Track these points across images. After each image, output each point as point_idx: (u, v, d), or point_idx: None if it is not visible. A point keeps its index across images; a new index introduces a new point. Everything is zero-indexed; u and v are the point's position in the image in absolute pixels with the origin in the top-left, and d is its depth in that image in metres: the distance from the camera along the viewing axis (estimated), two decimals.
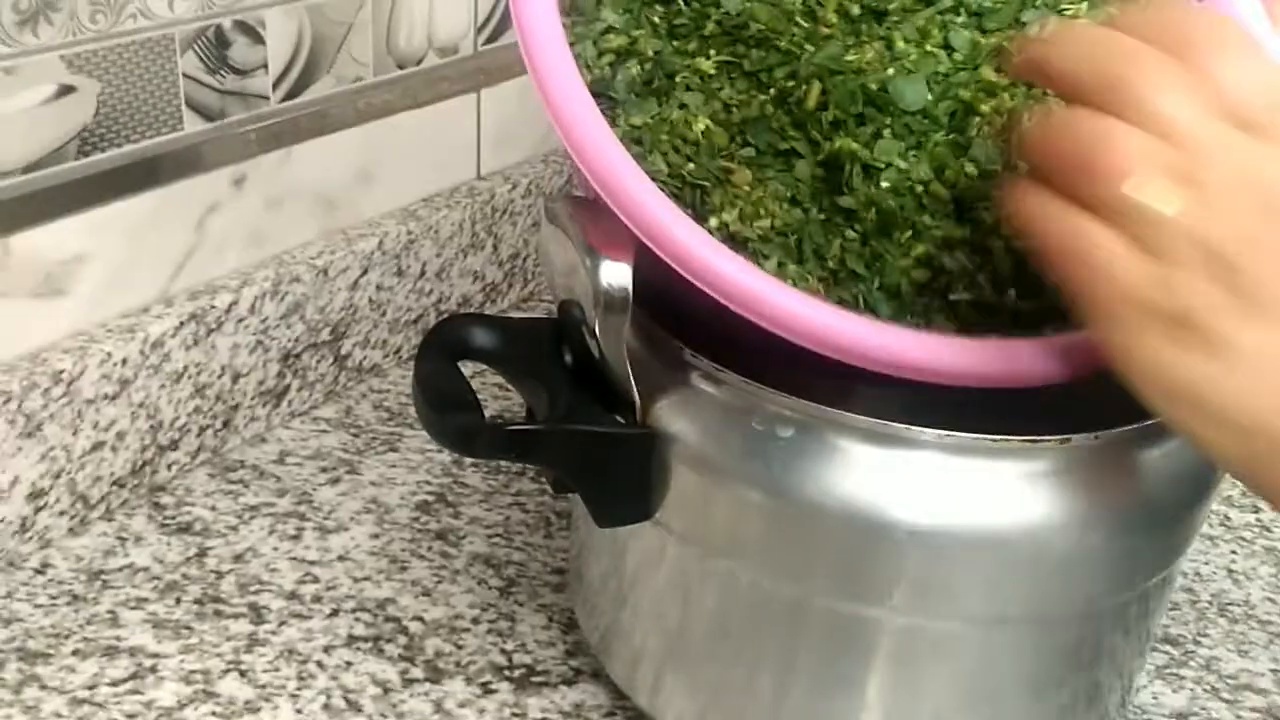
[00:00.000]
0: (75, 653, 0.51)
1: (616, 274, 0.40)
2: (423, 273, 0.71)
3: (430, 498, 0.62)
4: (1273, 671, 0.56)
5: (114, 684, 0.49)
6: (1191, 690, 0.54)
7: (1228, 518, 0.66)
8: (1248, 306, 0.31)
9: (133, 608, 0.53)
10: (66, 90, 0.53)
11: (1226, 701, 0.54)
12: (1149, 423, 0.41)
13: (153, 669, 0.50)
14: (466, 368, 0.45)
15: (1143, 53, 0.32)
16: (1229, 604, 0.60)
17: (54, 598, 0.53)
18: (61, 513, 0.56)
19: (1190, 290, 0.31)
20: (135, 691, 0.49)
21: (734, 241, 0.40)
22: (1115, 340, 0.33)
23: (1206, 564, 0.62)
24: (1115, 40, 0.33)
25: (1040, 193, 0.34)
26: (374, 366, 0.71)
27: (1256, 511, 0.67)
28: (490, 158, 0.77)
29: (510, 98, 0.76)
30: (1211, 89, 0.32)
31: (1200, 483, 0.44)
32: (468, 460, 0.64)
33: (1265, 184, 0.31)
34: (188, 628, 0.52)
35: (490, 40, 0.74)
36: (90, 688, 0.49)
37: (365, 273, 0.68)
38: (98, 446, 0.57)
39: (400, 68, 0.69)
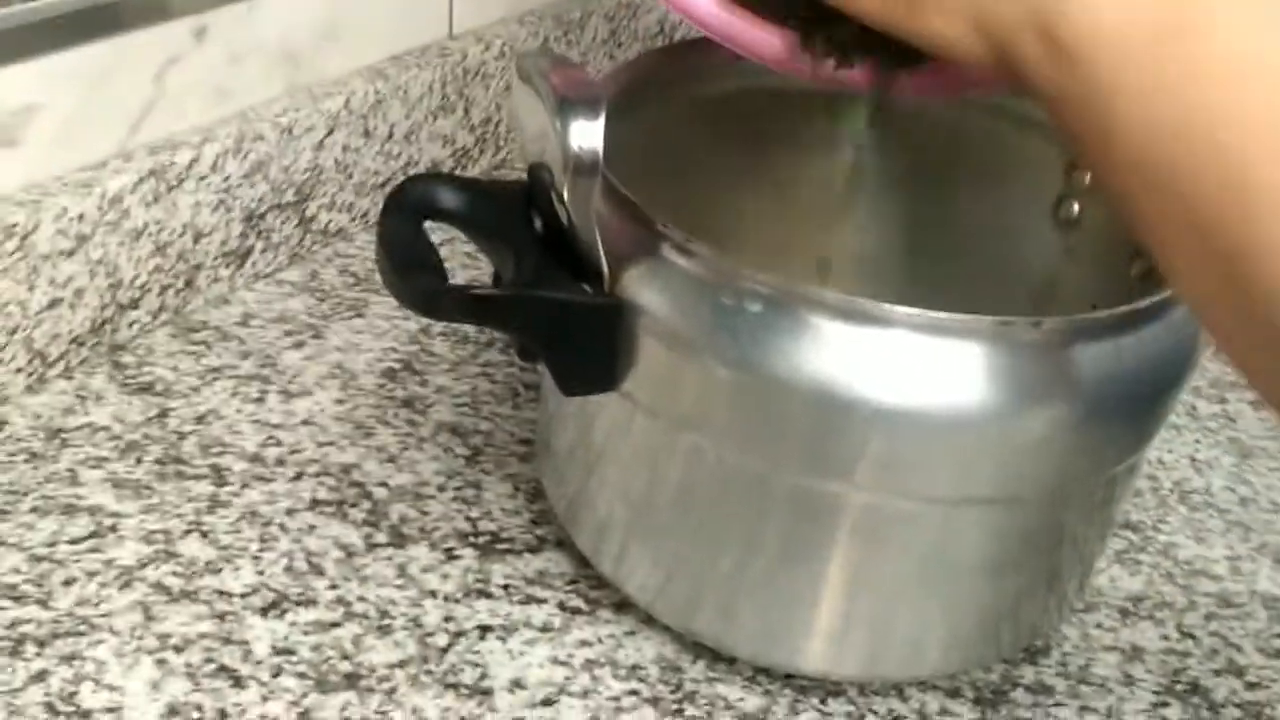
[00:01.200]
0: (34, 510, 0.50)
1: (588, 134, 0.39)
2: (391, 135, 0.69)
3: (397, 365, 0.61)
4: (1227, 559, 0.57)
5: (73, 542, 0.49)
6: (1148, 575, 0.55)
7: (1194, 407, 0.66)
8: None
9: (92, 467, 0.53)
10: None
11: (1181, 587, 0.55)
12: (1122, 309, 0.40)
13: (113, 528, 0.50)
14: (436, 235, 0.44)
15: None
16: (1190, 491, 0.60)
17: (11, 455, 0.53)
18: (18, 369, 0.55)
19: None
20: (95, 550, 0.49)
21: None
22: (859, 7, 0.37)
23: (1170, 452, 0.63)
24: None
25: None
26: (340, 230, 0.69)
27: (1223, 402, 0.67)
28: (464, 16, 0.74)
29: None
30: None
31: (1172, 369, 0.43)
32: (435, 328, 0.63)
33: None
34: (148, 488, 0.52)
35: None
36: (50, 545, 0.49)
37: (331, 133, 0.65)
38: (55, 303, 0.55)
39: None
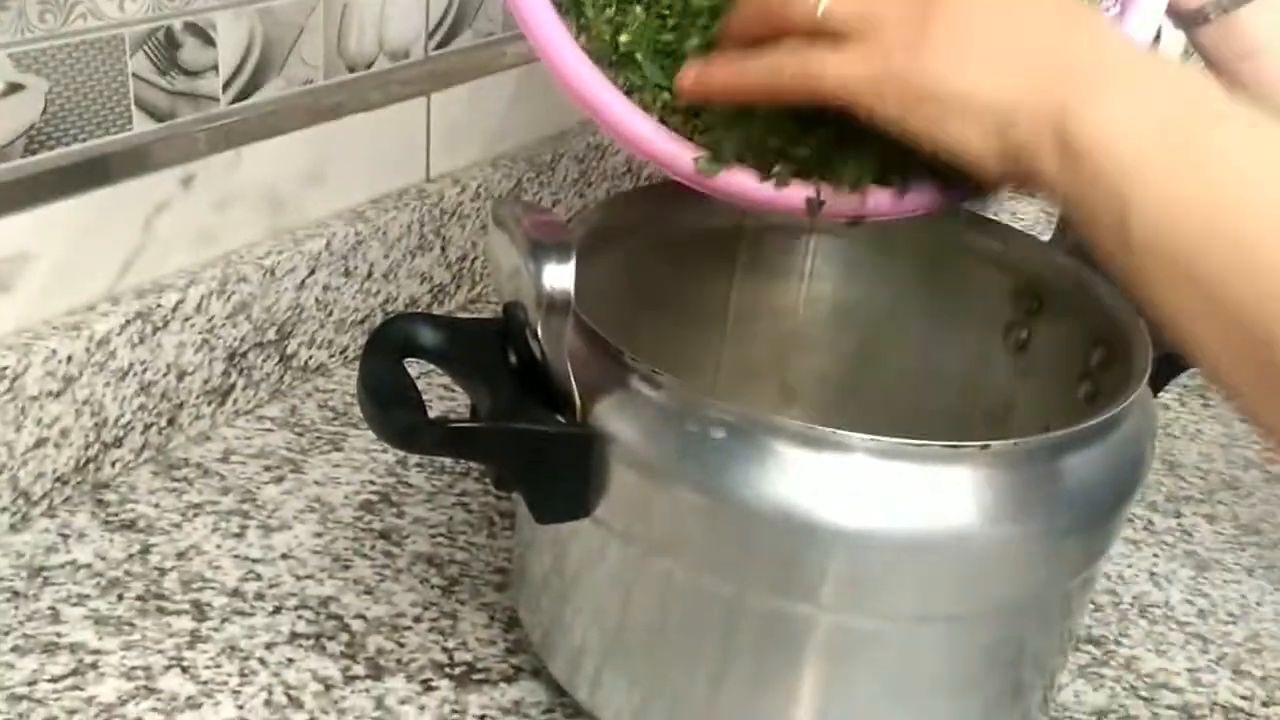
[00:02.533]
0: (15, 649, 0.51)
1: (559, 276, 0.41)
2: (370, 273, 0.72)
3: (374, 497, 0.62)
4: (1188, 671, 0.58)
5: (54, 680, 0.50)
6: (1112, 689, 0.56)
7: (1151, 522, 0.68)
8: (921, 28, 0.39)
9: (74, 604, 0.53)
10: (14, 88, 0.53)
11: (1144, 700, 0.56)
12: (1064, 431, 0.43)
13: (93, 665, 0.50)
14: (413, 367, 0.46)
15: None
16: (1149, 605, 0.62)
17: None
18: (2, 509, 0.56)
19: (889, 44, 0.40)
20: (76, 688, 0.49)
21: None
22: (876, 110, 0.40)
23: (1129, 567, 0.65)
24: None
25: (756, 54, 0.42)
26: (320, 366, 0.71)
27: (1178, 517, 0.69)
28: (439, 161, 0.77)
29: (460, 101, 0.77)
30: None
31: (1120, 486, 0.46)
32: (412, 460, 0.65)
33: None
34: (130, 624, 0.53)
35: (441, 45, 0.75)
36: (30, 684, 0.49)
37: (312, 273, 0.68)
38: (41, 443, 0.57)
39: (351, 71, 0.69)
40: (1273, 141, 0.36)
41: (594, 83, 0.45)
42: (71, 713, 0.48)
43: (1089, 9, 0.43)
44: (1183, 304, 0.36)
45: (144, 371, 0.61)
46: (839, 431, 0.41)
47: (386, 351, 0.46)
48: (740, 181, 0.45)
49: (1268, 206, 0.34)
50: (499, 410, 0.44)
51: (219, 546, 0.58)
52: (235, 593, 0.55)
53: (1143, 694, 0.56)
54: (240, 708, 0.49)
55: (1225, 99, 0.37)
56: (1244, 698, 0.57)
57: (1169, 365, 0.54)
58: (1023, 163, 0.38)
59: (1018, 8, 0.40)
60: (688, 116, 0.46)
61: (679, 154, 0.45)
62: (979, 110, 0.39)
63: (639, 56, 0.48)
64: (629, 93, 0.47)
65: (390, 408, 0.43)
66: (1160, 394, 0.54)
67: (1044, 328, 0.56)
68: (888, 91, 0.40)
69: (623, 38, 0.47)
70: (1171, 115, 0.37)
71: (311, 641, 0.53)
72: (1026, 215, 1.01)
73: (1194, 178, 0.35)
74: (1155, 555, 0.66)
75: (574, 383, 0.43)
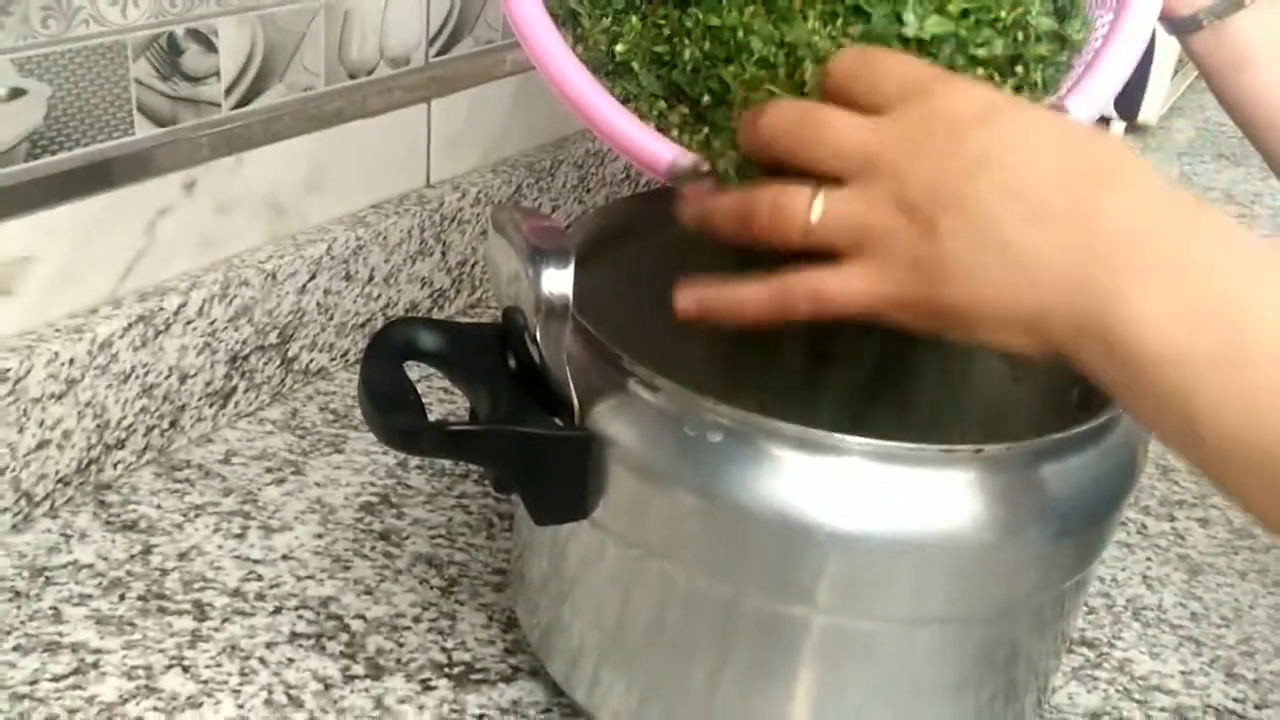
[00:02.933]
0: (17, 648, 0.51)
1: (558, 281, 0.42)
2: (371, 278, 0.73)
3: (374, 499, 0.63)
4: (1181, 673, 0.58)
5: (55, 679, 0.50)
6: (1105, 691, 0.57)
7: (1144, 526, 0.69)
8: (929, 244, 0.37)
9: (75, 604, 0.54)
10: (17, 93, 0.54)
11: (1138, 702, 0.56)
12: (1057, 435, 0.43)
13: (95, 665, 0.51)
14: (413, 371, 0.46)
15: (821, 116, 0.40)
16: (1143, 608, 0.62)
17: None
18: (4, 509, 0.57)
19: (897, 264, 0.38)
20: (77, 687, 0.50)
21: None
22: (904, 324, 0.39)
23: (1123, 570, 0.65)
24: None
25: (756, 281, 0.41)
26: (321, 369, 0.72)
27: (1172, 521, 0.70)
28: (440, 166, 0.78)
29: (461, 108, 0.78)
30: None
31: (1113, 490, 0.46)
32: (412, 462, 0.65)
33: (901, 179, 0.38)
34: (131, 624, 0.53)
35: (442, 52, 0.76)
36: (31, 683, 0.50)
37: (313, 277, 0.69)
38: (43, 445, 0.57)
39: (352, 77, 0.70)
40: None
41: (589, 91, 0.46)
42: (73, 712, 0.49)
43: (1108, 157, 0.38)
44: (1264, 493, 0.34)
45: (146, 374, 0.61)
46: (834, 435, 0.41)
47: (387, 355, 0.46)
48: None
49: None
50: (498, 413, 0.44)
51: (220, 547, 0.58)
52: (236, 593, 0.56)
53: (1136, 696, 0.57)
54: (240, 707, 0.50)
55: (1260, 248, 0.35)
56: (1237, 700, 0.57)
57: None
58: (1071, 360, 0.37)
59: (1031, 185, 0.37)
60: (684, 126, 0.47)
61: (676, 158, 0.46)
62: (1009, 322, 0.37)
63: (635, 66, 0.48)
64: (625, 101, 0.47)
65: (391, 410, 0.43)
66: None
67: None
68: (909, 312, 0.38)
69: (618, 47, 0.48)
70: (1220, 300, 0.34)
71: (311, 641, 0.53)
72: None
73: (1257, 374, 0.34)
74: (1149, 559, 0.66)
75: (572, 386, 0.44)
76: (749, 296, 0.42)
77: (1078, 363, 0.37)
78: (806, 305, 0.40)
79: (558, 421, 0.44)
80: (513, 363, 0.46)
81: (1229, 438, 0.34)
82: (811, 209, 0.39)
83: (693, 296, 0.43)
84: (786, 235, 0.40)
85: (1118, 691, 0.57)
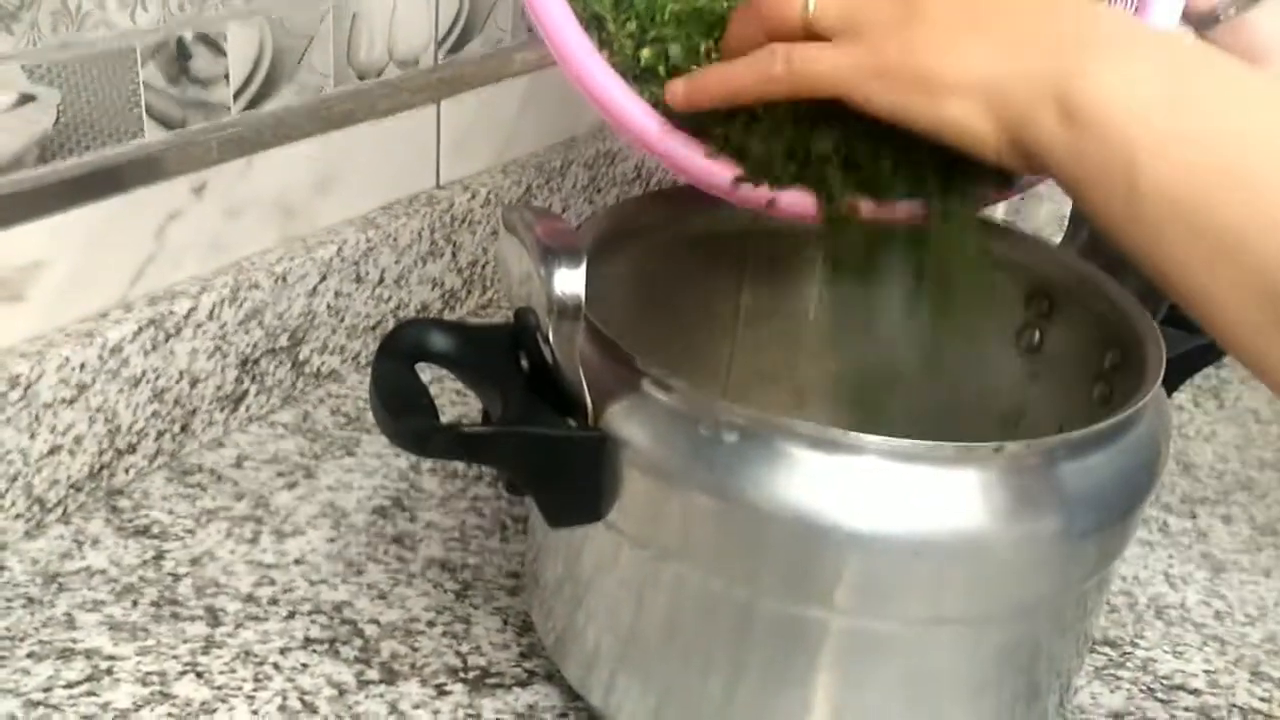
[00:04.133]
0: (30, 655, 0.51)
1: (570, 282, 0.41)
2: (381, 279, 0.72)
3: (387, 502, 0.62)
4: (1205, 672, 0.58)
5: (69, 686, 0.50)
6: (1128, 691, 0.56)
7: (1166, 524, 0.68)
8: (909, 19, 0.40)
9: (89, 610, 0.54)
10: (26, 99, 0.54)
11: (1162, 701, 0.56)
12: (1079, 432, 0.43)
13: (109, 671, 0.51)
14: (426, 373, 0.46)
15: None
16: (1165, 607, 0.62)
17: (9, 600, 0.54)
18: (17, 516, 0.56)
19: (879, 37, 0.41)
20: (91, 694, 0.49)
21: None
22: (872, 98, 0.41)
23: (1145, 568, 0.64)
24: None
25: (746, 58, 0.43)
26: (332, 372, 0.72)
27: (1194, 518, 0.69)
28: (450, 167, 0.78)
29: (470, 108, 0.77)
30: None
31: (1133, 490, 0.45)
32: (425, 465, 0.65)
33: None
34: (144, 630, 0.53)
35: (451, 53, 0.75)
36: (46, 689, 0.49)
37: (324, 279, 0.68)
38: (55, 450, 0.57)
39: (361, 79, 0.70)
40: (1274, 88, 0.36)
41: (621, 95, 0.46)
42: (87, 718, 0.48)
43: None
44: (1193, 255, 0.35)
45: (157, 378, 0.61)
46: (851, 434, 0.41)
47: (398, 357, 0.46)
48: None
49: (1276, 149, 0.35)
50: (510, 415, 0.44)
51: (232, 552, 0.58)
52: (249, 598, 0.55)
53: (1160, 696, 0.56)
54: (255, 713, 0.49)
55: (1219, 53, 0.37)
56: (1263, 699, 0.56)
57: (1183, 366, 0.54)
58: (1023, 135, 0.38)
59: None
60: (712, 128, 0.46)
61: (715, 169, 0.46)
62: (974, 86, 0.39)
63: (661, 71, 0.48)
64: (654, 105, 0.47)
65: (402, 413, 0.43)
66: (1174, 395, 0.54)
67: (1056, 330, 0.56)
68: (881, 80, 0.40)
69: (644, 52, 0.48)
70: (1172, 70, 0.37)
71: (325, 647, 0.53)
72: (1038, 219, 1.01)
73: (1202, 127, 0.35)
74: (1171, 557, 0.66)
75: (585, 387, 0.43)
76: (736, 70, 0.44)
77: (1027, 139, 0.38)
78: (792, 76, 0.42)
79: (571, 423, 0.44)
80: (525, 364, 0.46)
81: (1167, 188, 0.35)
82: (807, 3, 0.42)
83: (680, 84, 0.45)
84: (786, 26, 0.42)
85: (1141, 691, 0.56)
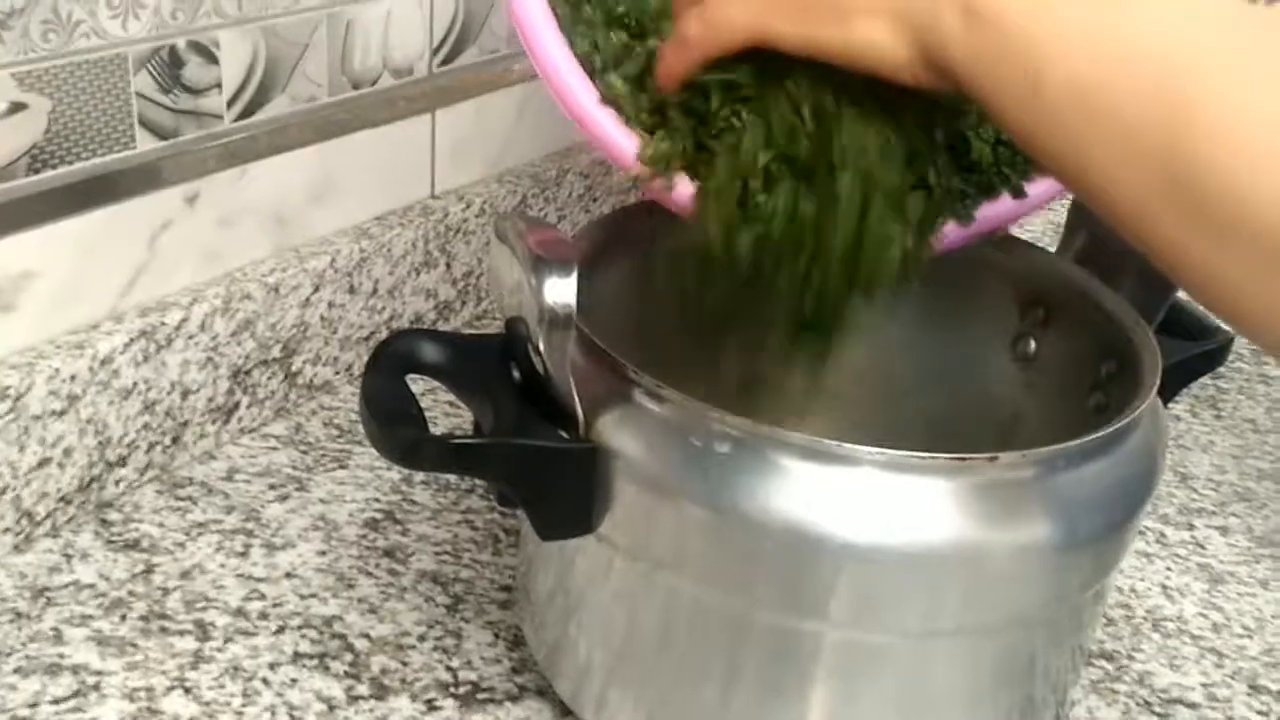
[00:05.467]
0: (17, 670, 0.50)
1: (561, 291, 0.41)
2: (375, 290, 0.72)
3: (379, 515, 0.62)
4: (1203, 685, 0.57)
5: (56, 702, 0.49)
6: (1125, 704, 0.56)
7: (1163, 535, 0.68)
8: None
9: (77, 625, 0.53)
10: (17, 108, 0.53)
11: (1159, 715, 0.55)
12: (1074, 442, 0.42)
13: (96, 686, 0.50)
14: (419, 385, 0.45)
15: None
16: (1162, 619, 0.61)
17: None
18: (5, 529, 0.56)
19: None
20: (78, 709, 0.49)
21: None
22: (783, 33, 0.41)
23: (1142, 580, 0.64)
24: None
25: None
26: (325, 383, 0.71)
27: (1191, 529, 0.68)
28: (445, 177, 0.77)
29: (465, 118, 0.77)
30: None
31: (1128, 501, 0.45)
32: (417, 477, 0.65)
33: None
34: (132, 645, 0.52)
35: (446, 62, 0.75)
36: (31, 705, 0.49)
37: (317, 290, 0.68)
38: (44, 463, 0.56)
39: (355, 88, 0.69)
40: None
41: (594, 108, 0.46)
42: None
43: None
44: (1097, 146, 0.35)
45: (148, 390, 0.60)
46: (845, 445, 0.40)
47: (389, 368, 0.45)
48: None
49: (1185, 41, 0.34)
50: (501, 426, 0.43)
51: (223, 566, 0.57)
52: (239, 612, 0.55)
53: (1157, 709, 0.55)
54: None
55: None
56: (1261, 713, 0.56)
57: (1179, 375, 0.53)
58: (929, 42, 0.38)
59: None
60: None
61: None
62: (879, 3, 0.39)
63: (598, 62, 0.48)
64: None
65: (392, 424, 0.43)
66: (1171, 405, 0.54)
67: (1052, 339, 0.56)
68: (789, 13, 0.41)
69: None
70: None
71: (315, 661, 0.52)
72: (1033, 227, 1.01)
73: (1104, 17, 0.35)
74: (1168, 568, 0.65)
75: (577, 397, 0.43)
76: (666, 51, 0.45)
77: (932, 45, 0.38)
78: (702, 32, 0.43)
79: (562, 434, 0.43)
80: (516, 374, 0.45)
81: (1070, 78, 0.35)
82: None
83: (660, 71, 0.46)
84: None
85: (1138, 705, 0.55)
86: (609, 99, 0.47)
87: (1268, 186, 0.32)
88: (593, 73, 0.48)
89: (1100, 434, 0.43)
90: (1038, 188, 0.51)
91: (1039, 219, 1.02)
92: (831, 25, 0.40)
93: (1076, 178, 0.37)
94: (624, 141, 0.47)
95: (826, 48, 0.40)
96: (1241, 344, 0.87)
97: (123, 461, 0.60)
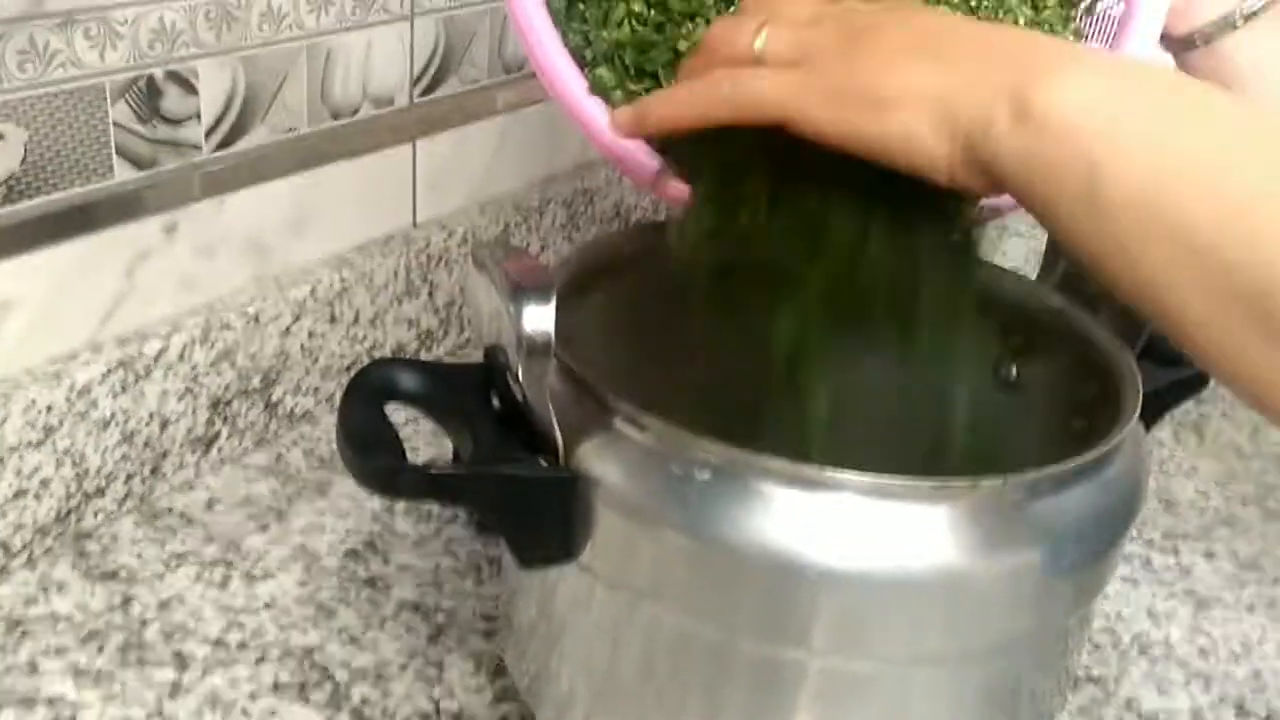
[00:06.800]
0: None
1: (540, 319, 0.41)
2: (356, 319, 0.72)
3: (359, 545, 0.61)
4: (1190, 710, 0.57)
5: None
6: None
7: (1149, 560, 0.68)
8: (854, 42, 0.40)
9: (53, 656, 0.52)
10: None
11: None
12: (1058, 467, 0.42)
13: (72, 718, 0.49)
14: (400, 414, 0.45)
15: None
16: (1149, 644, 0.61)
17: None
18: None
19: (825, 63, 0.40)
20: None
21: None
22: (811, 117, 0.40)
23: (1128, 605, 0.64)
24: None
25: (700, 81, 0.43)
26: (305, 413, 0.71)
27: (1176, 554, 0.68)
28: (426, 206, 0.77)
29: (446, 147, 0.77)
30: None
31: (1112, 526, 0.45)
32: (398, 507, 0.64)
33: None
34: (109, 676, 0.52)
35: (427, 92, 0.75)
36: None
37: (297, 319, 0.68)
38: (20, 494, 0.56)
39: (335, 118, 0.69)
40: (1236, 107, 0.37)
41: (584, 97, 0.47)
42: None
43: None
44: (1156, 256, 0.34)
45: (126, 420, 0.60)
46: (826, 470, 0.40)
47: (366, 396, 0.45)
48: None
49: (1249, 162, 0.34)
50: (481, 454, 0.43)
51: (202, 596, 0.57)
52: (218, 643, 0.54)
53: None
54: None
55: (1174, 70, 0.38)
56: None
57: (1161, 400, 0.53)
58: (974, 143, 0.37)
59: (956, 25, 0.41)
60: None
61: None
62: (922, 98, 0.38)
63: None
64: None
65: (369, 453, 0.42)
66: (1155, 430, 0.54)
67: (1033, 365, 0.56)
68: (825, 100, 0.39)
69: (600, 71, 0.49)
70: (1129, 78, 0.36)
71: (295, 692, 0.52)
72: (1015, 254, 1.01)
73: (1163, 128, 0.35)
74: (1154, 593, 0.65)
75: (556, 425, 0.43)
76: (678, 93, 0.44)
77: (979, 146, 0.37)
78: (731, 97, 0.41)
79: (542, 462, 0.43)
80: (496, 403, 0.45)
81: (1128, 187, 0.34)
82: (757, 37, 0.41)
83: (626, 111, 0.45)
84: (736, 58, 0.42)
85: None
86: (597, 90, 0.48)
87: None
88: (584, 65, 0.49)
89: (1082, 459, 0.43)
90: None
91: (1020, 246, 1.03)
92: (868, 114, 0.39)
93: (1134, 290, 0.36)
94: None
95: (860, 137, 0.39)
96: None
97: (101, 492, 0.60)
